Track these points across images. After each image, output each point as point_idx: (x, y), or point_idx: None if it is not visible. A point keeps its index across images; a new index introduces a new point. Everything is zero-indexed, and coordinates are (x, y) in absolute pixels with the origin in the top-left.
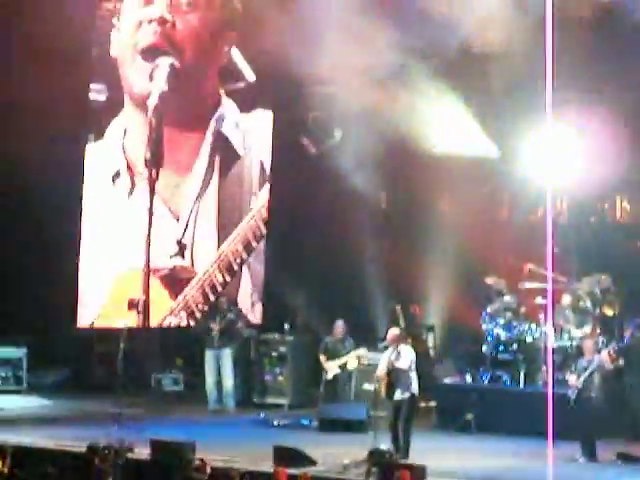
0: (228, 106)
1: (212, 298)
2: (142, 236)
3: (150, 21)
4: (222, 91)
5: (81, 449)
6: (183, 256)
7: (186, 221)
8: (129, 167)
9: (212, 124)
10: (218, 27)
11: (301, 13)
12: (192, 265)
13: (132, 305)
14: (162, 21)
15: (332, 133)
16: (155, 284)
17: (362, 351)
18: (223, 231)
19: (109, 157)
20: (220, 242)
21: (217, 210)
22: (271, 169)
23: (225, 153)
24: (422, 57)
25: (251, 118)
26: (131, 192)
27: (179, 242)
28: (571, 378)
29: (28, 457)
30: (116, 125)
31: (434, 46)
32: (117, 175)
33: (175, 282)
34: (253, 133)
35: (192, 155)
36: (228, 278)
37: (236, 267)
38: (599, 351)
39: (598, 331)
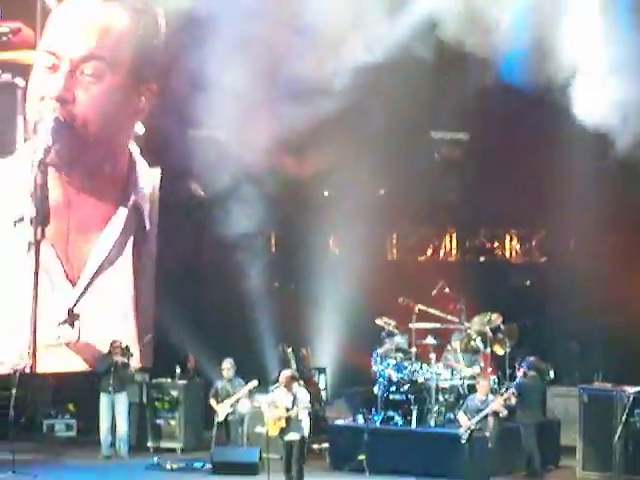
0: (141, 168)
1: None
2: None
3: (51, 98)
4: (134, 150)
5: None
6: (72, 325)
7: (82, 290)
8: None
9: (131, 191)
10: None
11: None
12: (79, 339)
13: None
14: (62, 99)
15: (221, 177)
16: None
17: (254, 383)
18: (141, 302)
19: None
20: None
21: (134, 279)
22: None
23: (138, 224)
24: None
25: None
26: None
27: (70, 311)
28: (463, 419)
29: None
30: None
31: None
32: (20, 220)
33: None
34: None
35: (101, 221)
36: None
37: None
38: (493, 392)
39: (490, 370)
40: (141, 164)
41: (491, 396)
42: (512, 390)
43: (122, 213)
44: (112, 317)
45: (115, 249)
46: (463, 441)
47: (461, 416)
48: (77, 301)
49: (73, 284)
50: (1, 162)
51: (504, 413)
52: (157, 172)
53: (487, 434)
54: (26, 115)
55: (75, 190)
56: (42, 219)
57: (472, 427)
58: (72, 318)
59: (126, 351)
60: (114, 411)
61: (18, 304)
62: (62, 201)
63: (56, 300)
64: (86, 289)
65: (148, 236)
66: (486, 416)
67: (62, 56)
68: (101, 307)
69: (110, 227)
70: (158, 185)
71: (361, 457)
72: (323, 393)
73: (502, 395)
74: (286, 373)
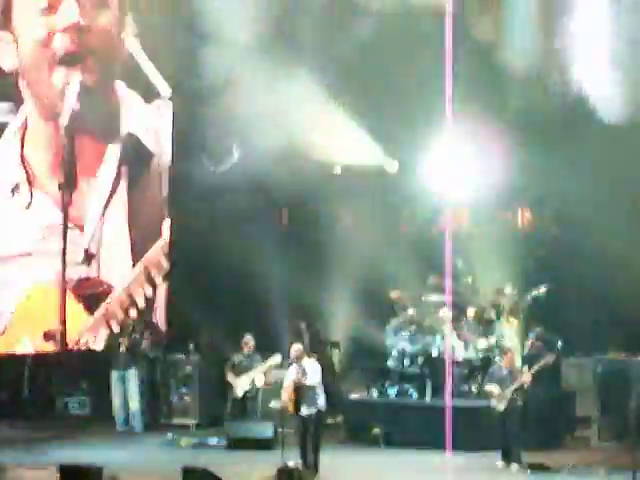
0: (133, 101)
1: (133, 313)
2: (44, 251)
3: (64, 30)
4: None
5: None
6: (89, 264)
7: (92, 231)
8: (28, 180)
9: (121, 126)
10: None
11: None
12: (99, 276)
13: (49, 337)
14: (76, 27)
15: (232, 151)
16: (69, 300)
17: (277, 359)
18: (137, 239)
19: (6, 168)
20: (135, 251)
21: (128, 216)
22: (171, 179)
23: (136, 155)
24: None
25: (153, 109)
26: (29, 205)
27: (86, 251)
28: (493, 389)
29: None
30: (11, 134)
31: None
32: (16, 188)
33: (88, 297)
34: (157, 126)
35: (97, 162)
36: (150, 292)
37: (158, 280)
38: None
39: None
40: (132, 98)
41: (516, 365)
42: (548, 359)
43: (116, 148)
44: (123, 258)
45: (114, 188)
46: (500, 410)
47: (492, 387)
48: (89, 242)
49: (80, 229)
50: None
51: (528, 384)
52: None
53: (520, 404)
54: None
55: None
56: (70, 184)
57: (508, 397)
58: (88, 257)
59: (137, 327)
60: (125, 388)
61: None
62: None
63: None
64: (95, 232)
65: (150, 166)
66: (520, 386)
67: None
68: (111, 247)
69: (105, 165)
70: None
71: (376, 431)
72: (337, 367)
73: (538, 364)
74: (296, 347)
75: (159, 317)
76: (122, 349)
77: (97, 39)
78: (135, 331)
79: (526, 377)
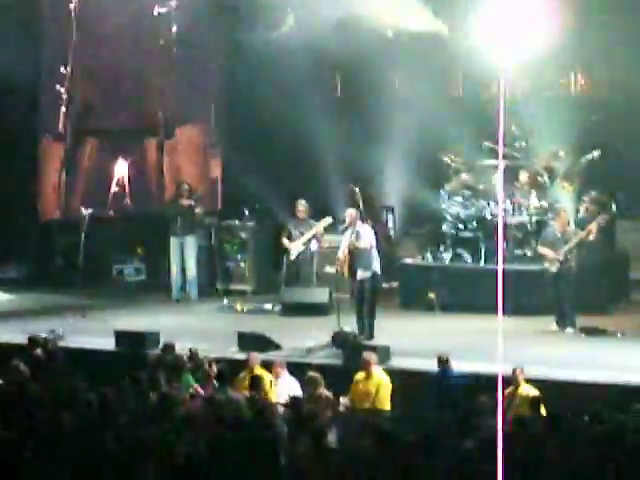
0: None
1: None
2: None
3: None
4: None
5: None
6: None
7: None
8: None
9: None
10: None
11: None
12: None
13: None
14: None
15: (286, 16)
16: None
17: (328, 220)
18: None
19: None
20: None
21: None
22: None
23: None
24: None
25: None
26: None
27: None
28: (546, 251)
29: None
30: None
31: None
32: None
33: None
34: None
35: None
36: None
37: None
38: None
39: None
40: None
41: (569, 227)
42: (604, 216)
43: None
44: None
45: None
46: (553, 273)
47: (545, 249)
48: None
49: None
50: None
51: (592, 237)
52: None
53: (574, 265)
54: None
55: None
56: None
57: (561, 258)
58: None
59: (193, 193)
60: (183, 254)
61: None
62: None
63: None
64: None
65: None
66: (575, 246)
67: None
68: None
69: None
70: None
71: (431, 295)
72: (391, 232)
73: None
74: (351, 211)
75: (214, 184)
76: (179, 216)
77: None
78: (191, 198)
79: (584, 233)
